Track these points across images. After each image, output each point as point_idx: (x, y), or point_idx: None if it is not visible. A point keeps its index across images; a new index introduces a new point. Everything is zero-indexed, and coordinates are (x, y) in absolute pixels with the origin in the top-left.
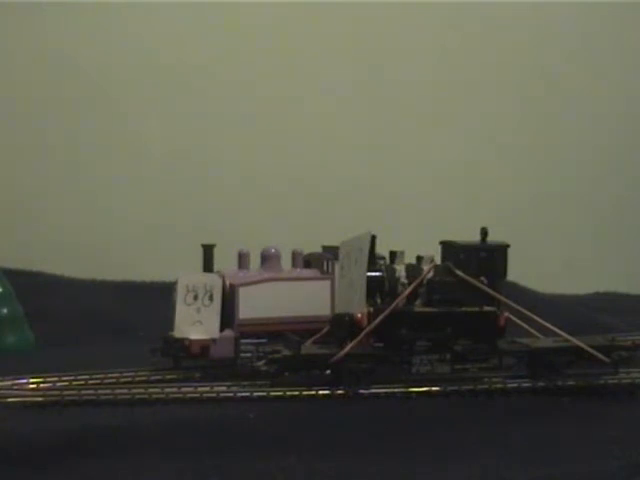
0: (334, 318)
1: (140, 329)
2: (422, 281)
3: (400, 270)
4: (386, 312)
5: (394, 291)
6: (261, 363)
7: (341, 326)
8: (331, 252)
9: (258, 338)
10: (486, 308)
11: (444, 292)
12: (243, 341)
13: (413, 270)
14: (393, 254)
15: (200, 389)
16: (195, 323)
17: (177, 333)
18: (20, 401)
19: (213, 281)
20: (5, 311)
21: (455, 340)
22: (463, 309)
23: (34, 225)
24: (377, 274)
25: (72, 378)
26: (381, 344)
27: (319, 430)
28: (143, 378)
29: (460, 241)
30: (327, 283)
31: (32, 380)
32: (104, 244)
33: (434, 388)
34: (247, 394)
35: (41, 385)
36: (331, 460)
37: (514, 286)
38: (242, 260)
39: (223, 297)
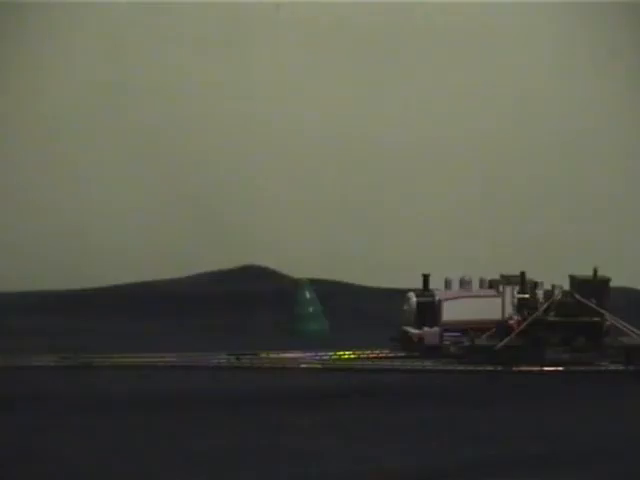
0: (497, 324)
1: None
2: (553, 301)
3: (540, 294)
4: (529, 320)
5: (535, 306)
6: (453, 348)
7: (501, 329)
8: (506, 279)
9: (453, 332)
10: (594, 319)
11: (568, 308)
12: (445, 334)
13: (548, 293)
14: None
15: (408, 362)
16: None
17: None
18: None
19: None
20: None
21: (574, 338)
22: (580, 319)
23: None
24: (525, 296)
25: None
26: (527, 341)
27: (488, 392)
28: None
29: (580, 275)
30: (499, 300)
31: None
32: None
33: (559, 368)
34: (440, 367)
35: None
36: (492, 413)
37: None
38: (447, 284)
39: (434, 307)
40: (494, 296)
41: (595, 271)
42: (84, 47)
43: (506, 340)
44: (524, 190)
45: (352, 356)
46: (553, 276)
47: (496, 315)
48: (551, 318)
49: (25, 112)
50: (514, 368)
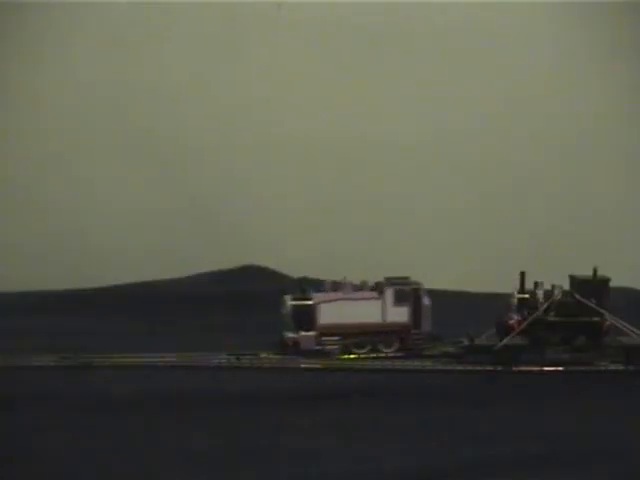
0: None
1: None
2: (553, 300)
3: (540, 294)
4: (529, 320)
5: (535, 306)
6: (452, 348)
7: (501, 328)
8: (388, 281)
9: (332, 336)
10: (594, 318)
11: (568, 308)
12: (323, 338)
13: (548, 293)
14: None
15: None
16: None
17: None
18: None
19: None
20: None
21: (574, 338)
22: (579, 319)
23: None
24: (525, 296)
25: None
26: (527, 340)
27: (488, 392)
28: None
29: (580, 275)
30: (378, 302)
31: None
32: None
33: (559, 368)
34: (440, 367)
35: None
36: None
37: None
38: (325, 287)
39: (310, 311)
40: (373, 299)
41: (595, 271)
42: (84, 47)
43: (506, 340)
44: (524, 190)
45: (352, 356)
46: (553, 276)
47: (376, 318)
48: (551, 318)
49: (25, 112)
50: (514, 368)
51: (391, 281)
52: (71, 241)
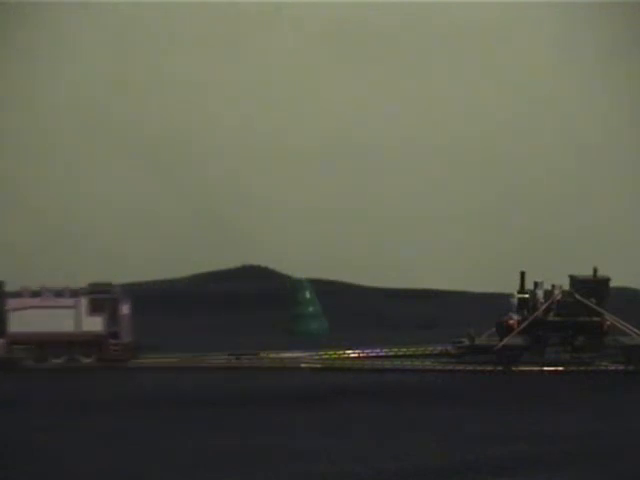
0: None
1: None
2: (553, 300)
3: (540, 294)
4: (529, 319)
5: (535, 306)
6: (451, 347)
7: (501, 329)
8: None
9: (25, 345)
10: (594, 318)
11: (568, 308)
12: (15, 346)
13: (548, 293)
14: None
15: (407, 362)
16: None
17: None
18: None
19: None
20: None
21: (574, 338)
22: (579, 319)
23: None
24: (525, 296)
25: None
26: (527, 340)
27: (488, 392)
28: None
29: (580, 275)
30: (73, 311)
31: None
32: None
33: (559, 368)
34: (440, 367)
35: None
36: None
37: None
38: (20, 293)
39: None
40: (67, 307)
41: (595, 271)
42: (85, 47)
43: (506, 340)
44: (524, 190)
45: (352, 356)
46: (553, 276)
47: (70, 327)
48: (551, 318)
49: (26, 113)
50: (514, 368)
51: (90, 289)
52: (71, 241)
